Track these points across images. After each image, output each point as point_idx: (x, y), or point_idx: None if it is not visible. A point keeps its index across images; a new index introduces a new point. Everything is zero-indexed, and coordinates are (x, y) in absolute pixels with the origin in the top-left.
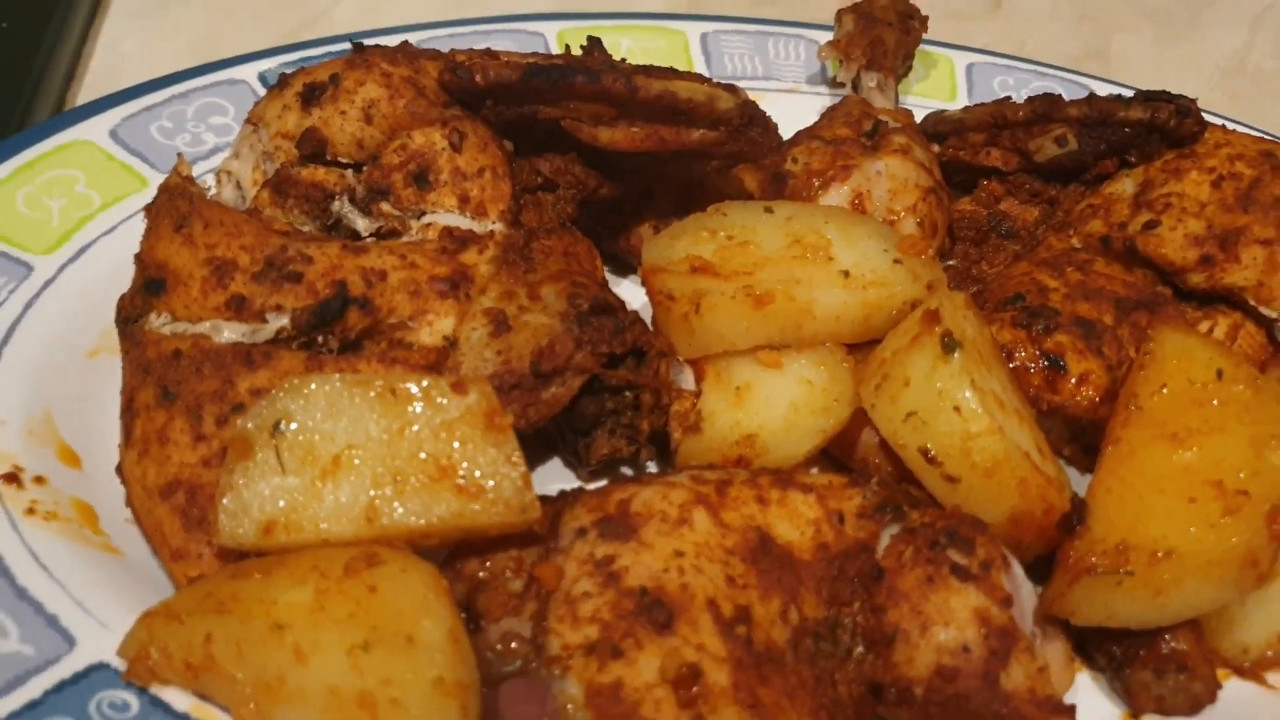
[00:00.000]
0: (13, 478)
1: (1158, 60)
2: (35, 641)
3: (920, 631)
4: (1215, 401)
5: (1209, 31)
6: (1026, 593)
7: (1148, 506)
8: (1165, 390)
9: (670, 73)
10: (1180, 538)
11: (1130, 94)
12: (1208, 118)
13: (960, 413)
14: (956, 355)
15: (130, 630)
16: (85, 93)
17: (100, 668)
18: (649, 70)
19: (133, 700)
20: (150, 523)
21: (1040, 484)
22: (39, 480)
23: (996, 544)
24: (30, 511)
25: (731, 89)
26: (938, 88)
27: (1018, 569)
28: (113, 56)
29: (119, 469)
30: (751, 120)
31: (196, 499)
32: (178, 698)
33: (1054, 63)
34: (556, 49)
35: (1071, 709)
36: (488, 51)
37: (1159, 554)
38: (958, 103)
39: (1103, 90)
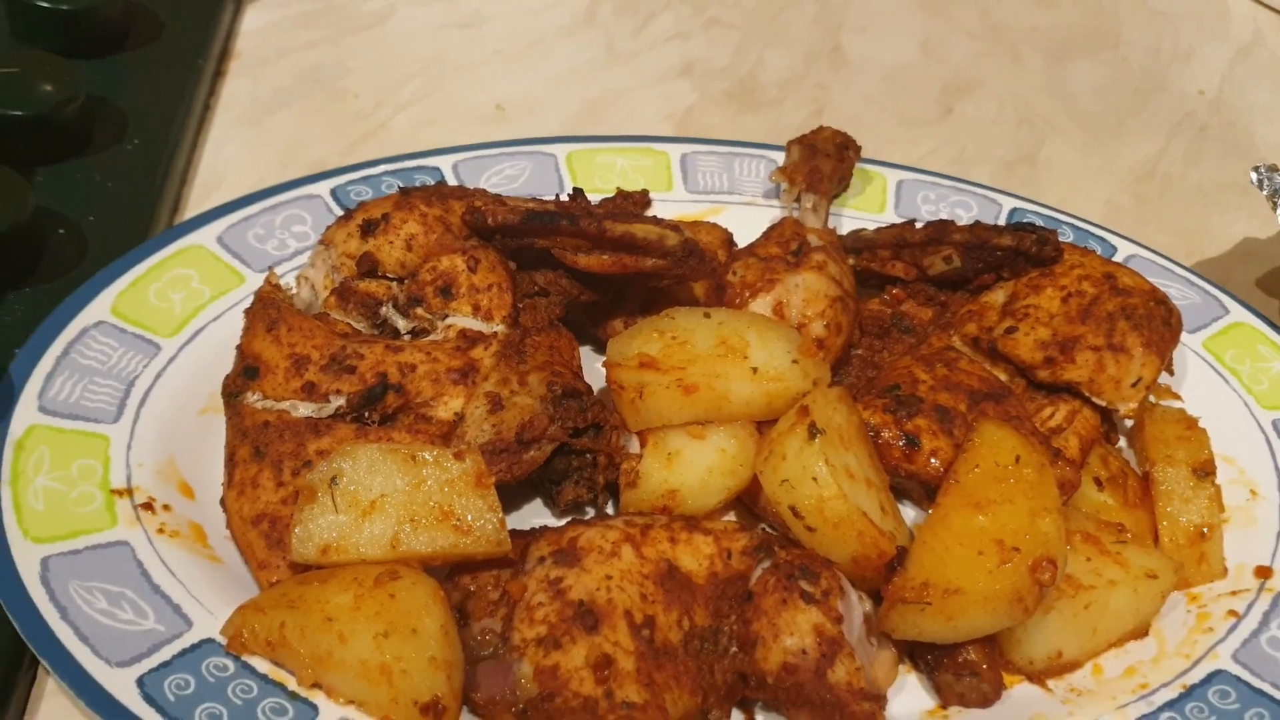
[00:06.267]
0: (149, 506)
1: (1079, 165)
2: (166, 622)
3: (774, 638)
4: (1011, 480)
5: (1129, 138)
6: (857, 613)
7: (950, 556)
8: (978, 469)
9: (632, 216)
10: (967, 580)
11: (1029, 204)
12: (1111, 220)
13: (816, 482)
14: (817, 440)
15: (230, 617)
16: (196, 192)
17: (209, 642)
18: (615, 215)
19: (230, 664)
20: (243, 542)
21: (874, 535)
22: (166, 508)
23: (837, 577)
24: (160, 531)
25: (676, 229)
26: (870, 201)
27: (853, 596)
28: (217, 160)
29: (222, 502)
30: (691, 253)
31: (276, 527)
32: (260, 663)
33: (987, 165)
34: (565, 167)
35: (879, 697)
36: (498, 198)
37: (950, 590)
38: (886, 215)
39: (1008, 204)
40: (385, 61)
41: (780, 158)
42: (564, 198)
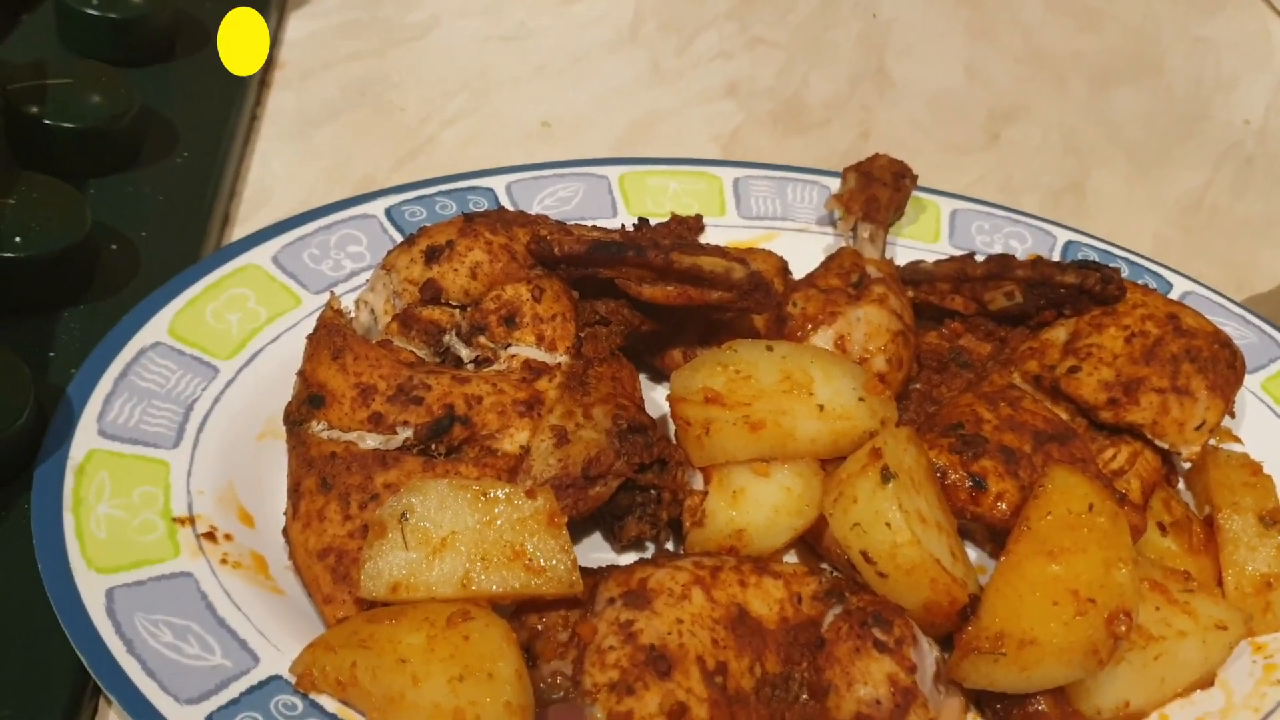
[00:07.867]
0: (211, 535)
1: (1126, 195)
2: (232, 657)
3: (847, 687)
4: (1084, 529)
5: (1175, 168)
6: (929, 661)
7: (1023, 605)
8: (1049, 516)
9: (698, 247)
10: (1042, 630)
11: (1083, 237)
12: (1159, 252)
13: (890, 527)
14: (890, 484)
15: (300, 655)
16: (244, 206)
17: (276, 679)
18: (682, 246)
19: (299, 703)
20: (309, 575)
21: (947, 582)
22: (227, 537)
23: (910, 625)
24: (223, 561)
25: (743, 262)
26: (924, 231)
27: (924, 643)
28: (265, 173)
29: (284, 532)
30: (756, 286)
31: (343, 560)
32: (329, 703)
33: (1035, 194)
34: (617, 189)
35: None
36: (562, 226)
37: (1025, 641)
38: (940, 244)
39: (1063, 236)
40: (430, 75)
41: (833, 183)
42: (619, 221)
